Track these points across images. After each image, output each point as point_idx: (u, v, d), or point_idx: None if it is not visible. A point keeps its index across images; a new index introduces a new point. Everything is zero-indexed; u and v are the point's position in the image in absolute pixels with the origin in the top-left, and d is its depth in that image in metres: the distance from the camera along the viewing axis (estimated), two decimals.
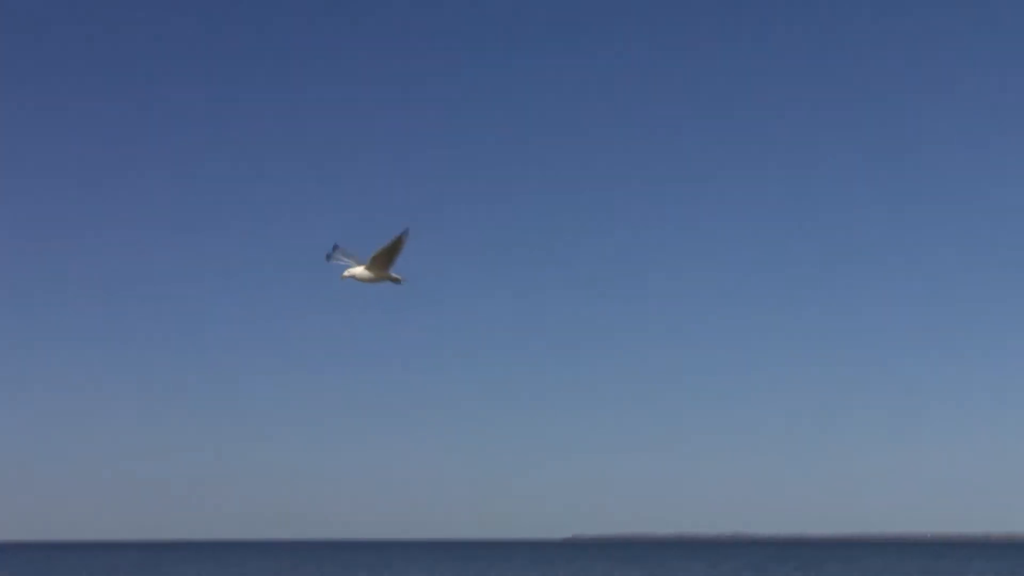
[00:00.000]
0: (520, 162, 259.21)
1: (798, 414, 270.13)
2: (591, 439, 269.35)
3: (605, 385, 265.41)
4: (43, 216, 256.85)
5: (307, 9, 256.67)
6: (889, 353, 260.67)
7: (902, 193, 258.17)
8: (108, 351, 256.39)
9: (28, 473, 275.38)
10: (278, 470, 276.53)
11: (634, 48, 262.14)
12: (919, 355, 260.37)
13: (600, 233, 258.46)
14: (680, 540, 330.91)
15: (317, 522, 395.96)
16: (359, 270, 17.51)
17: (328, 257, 17.53)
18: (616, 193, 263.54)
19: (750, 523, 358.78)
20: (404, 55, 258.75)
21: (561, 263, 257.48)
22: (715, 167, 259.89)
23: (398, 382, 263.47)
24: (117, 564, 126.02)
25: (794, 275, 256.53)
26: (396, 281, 17.71)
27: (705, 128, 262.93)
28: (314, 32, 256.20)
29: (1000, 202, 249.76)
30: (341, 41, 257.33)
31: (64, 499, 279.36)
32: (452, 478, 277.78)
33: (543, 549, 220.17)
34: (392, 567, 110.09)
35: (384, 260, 17.36)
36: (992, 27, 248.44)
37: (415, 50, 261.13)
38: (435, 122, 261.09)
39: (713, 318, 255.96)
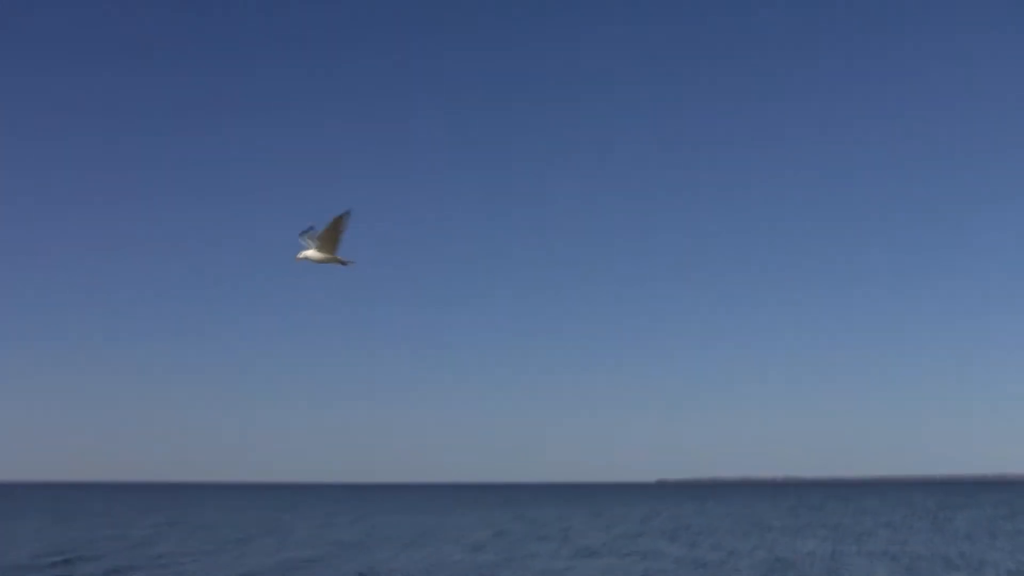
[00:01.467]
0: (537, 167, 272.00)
1: (840, 380, 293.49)
2: (676, 400, 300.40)
3: (684, 351, 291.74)
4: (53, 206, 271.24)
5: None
6: (919, 325, 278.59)
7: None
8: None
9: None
10: (389, 420, 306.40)
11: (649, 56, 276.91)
12: (943, 329, 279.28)
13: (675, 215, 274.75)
14: (745, 482, 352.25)
15: (441, 468, 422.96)
16: (311, 252, 16.36)
17: (301, 234, 16.17)
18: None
19: (801, 468, 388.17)
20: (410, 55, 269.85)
21: (646, 228, 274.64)
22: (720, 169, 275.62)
23: (500, 343, 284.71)
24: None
25: (845, 242, 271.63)
26: (343, 263, 16.43)
27: (709, 130, 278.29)
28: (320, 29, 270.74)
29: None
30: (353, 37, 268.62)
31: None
32: (556, 431, 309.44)
33: (637, 490, 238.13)
34: (511, 503, 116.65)
35: (330, 242, 16.11)
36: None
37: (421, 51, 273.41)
38: (436, 123, 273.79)
39: (773, 288, 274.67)
